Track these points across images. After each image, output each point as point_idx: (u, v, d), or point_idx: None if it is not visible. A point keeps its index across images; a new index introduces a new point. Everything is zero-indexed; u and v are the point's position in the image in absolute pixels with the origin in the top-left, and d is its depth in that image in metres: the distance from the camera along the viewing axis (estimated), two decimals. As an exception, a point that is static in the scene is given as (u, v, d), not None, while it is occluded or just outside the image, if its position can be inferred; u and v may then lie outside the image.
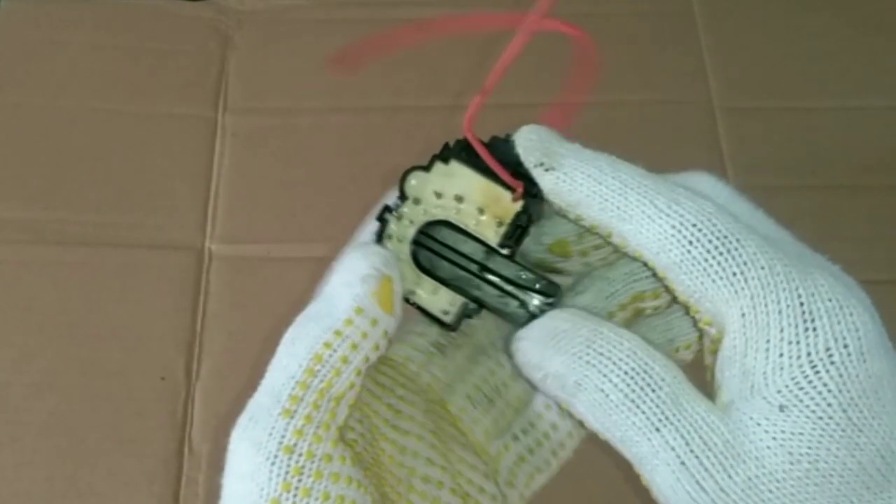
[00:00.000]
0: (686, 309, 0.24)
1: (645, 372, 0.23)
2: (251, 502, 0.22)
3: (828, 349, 0.22)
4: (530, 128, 0.25)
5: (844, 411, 0.22)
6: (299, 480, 0.22)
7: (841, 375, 0.22)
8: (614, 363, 0.23)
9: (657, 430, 0.22)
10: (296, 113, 0.72)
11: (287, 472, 0.22)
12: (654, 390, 0.22)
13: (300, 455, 0.22)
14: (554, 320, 0.24)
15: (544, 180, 0.25)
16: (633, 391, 0.22)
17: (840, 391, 0.22)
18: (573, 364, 0.23)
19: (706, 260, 0.23)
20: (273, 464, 0.22)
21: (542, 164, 0.25)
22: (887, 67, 0.75)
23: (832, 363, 0.22)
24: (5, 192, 0.68)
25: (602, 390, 0.23)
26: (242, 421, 0.23)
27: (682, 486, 0.22)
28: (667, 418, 0.22)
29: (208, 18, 0.78)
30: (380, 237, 0.26)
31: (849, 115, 0.72)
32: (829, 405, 0.22)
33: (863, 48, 0.76)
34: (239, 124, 0.72)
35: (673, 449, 0.22)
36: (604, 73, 0.79)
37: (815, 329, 0.22)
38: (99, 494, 0.57)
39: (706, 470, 0.22)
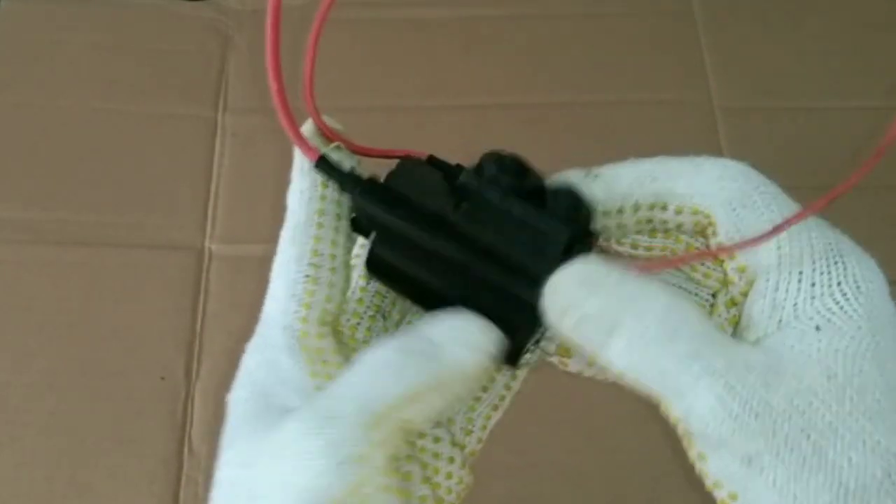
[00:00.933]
0: (721, 255, 0.26)
1: (679, 309, 0.23)
2: (308, 499, 0.22)
3: (856, 281, 0.24)
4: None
5: (873, 336, 0.23)
6: (362, 489, 0.22)
7: (870, 303, 0.24)
8: (650, 301, 0.23)
9: (698, 356, 0.23)
10: (296, 113, 0.72)
11: (354, 480, 0.22)
12: (689, 324, 0.23)
13: (369, 467, 0.22)
14: (585, 265, 0.24)
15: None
16: (671, 325, 0.23)
17: (869, 318, 0.24)
18: (610, 304, 0.23)
19: (749, 195, 0.26)
20: (343, 468, 0.22)
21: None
22: (887, 67, 0.75)
23: (861, 292, 0.24)
24: (5, 192, 0.68)
25: (642, 325, 0.23)
26: (315, 417, 0.23)
27: (727, 406, 0.22)
28: (706, 346, 0.23)
29: (208, 18, 0.78)
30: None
31: (849, 115, 0.72)
32: (860, 328, 0.23)
33: (863, 48, 0.76)
34: (239, 124, 0.72)
35: (716, 371, 0.22)
36: (604, 73, 0.80)
37: (844, 264, 0.25)
38: (99, 494, 0.57)
39: (751, 387, 0.22)
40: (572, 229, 0.25)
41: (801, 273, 0.25)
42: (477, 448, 0.29)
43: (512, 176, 0.26)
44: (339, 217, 0.27)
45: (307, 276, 0.26)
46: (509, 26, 0.77)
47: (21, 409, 0.60)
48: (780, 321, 0.24)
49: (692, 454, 0.24)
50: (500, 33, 0.77)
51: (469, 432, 0.29)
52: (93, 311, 0.63)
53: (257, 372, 0.26)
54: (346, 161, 0.27)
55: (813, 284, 0.24)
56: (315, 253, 0.26)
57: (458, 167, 0.27)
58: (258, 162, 0.70)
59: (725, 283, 0.27)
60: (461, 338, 0.24)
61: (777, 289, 0.25)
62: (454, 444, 0.28)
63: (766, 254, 0.25)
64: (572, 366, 0.28)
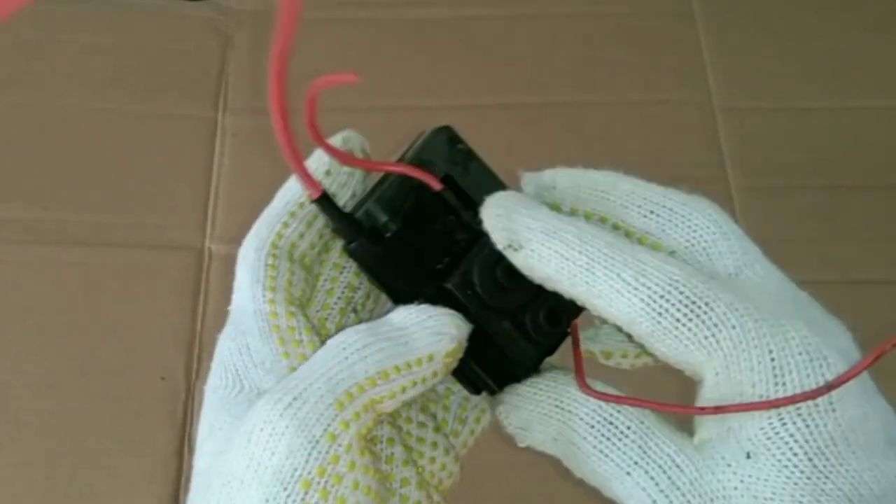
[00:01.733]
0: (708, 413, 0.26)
1: (611, 423, 0.25)
2: (281, 479, 0.22)
3: (797, 406, 0.23)
4: (496, 201, 0.26)
5: (810, 460, 0.23)
6: (334, 468, 0.22)
7: (808, 426, 0.23)
8: (581, 419, 0.25)
9: (628, 474, 0.24)
10: (296, 113, 0.72)
11: (325, 458, 0.22)
12: (619, 439, 0.25)
13: (340, 445, 0.23)
14: (532, 388, 0.26)
15: (515, 259, 0.25)
16: (601, 442, 0.25)
17: (806, 441, 0.23)
18: (549, 427, 0.26)
19: (677, 328, 0.24)
20: (314, 447, 0.22)
21: (510, 246, 0.25)
22: (887, 67, 0.75)
23: (798, 415, 0.23)
24: (5, 192, 0.68)
25: (574, 444, 0.25)
26: (284, 397, 0.23)
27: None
28: (635, 462, 0.24)
29: (208, 18, 0.78)
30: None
31: (849, 115, 0.72)
32: (795, 454, 0.23)
33: (863, 48, 0.76)
34: (239, 124, 0.72)
35: (644, 489, 0.24)
36: (604, 73, 0.80)
37: (784, 384, 0.23)
38: (99, 494, 0.57)
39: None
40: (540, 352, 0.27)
41: (741, 395, 0.24)
42: (470, 440, 0.29)
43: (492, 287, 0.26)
44: (309, 223, 0.28)
45: (268, 263, 0.27)
46: (509, 26, 0.77)
47: (21, 409, 0.60)
48: (729, 430, 0.24)
49: None
50: (500, 33, 0.77)
51: (462, 421, 0.29)
52: (93, 311, 0.63)
53: (230, 358, 0.26)
54: (348, 189, 0.27)
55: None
56: (274, 245, 0.27)
57: (471, 207, 0.27)
58: (258, 162, 0.70)
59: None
60: (429, 324, 0.25)
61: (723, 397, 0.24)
62: (438, 430, 0.28)
63: (704, 373, 0.24)
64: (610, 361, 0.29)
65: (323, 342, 0.26)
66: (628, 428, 0.25)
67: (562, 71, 0.75)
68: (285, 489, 0.22)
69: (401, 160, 0.27)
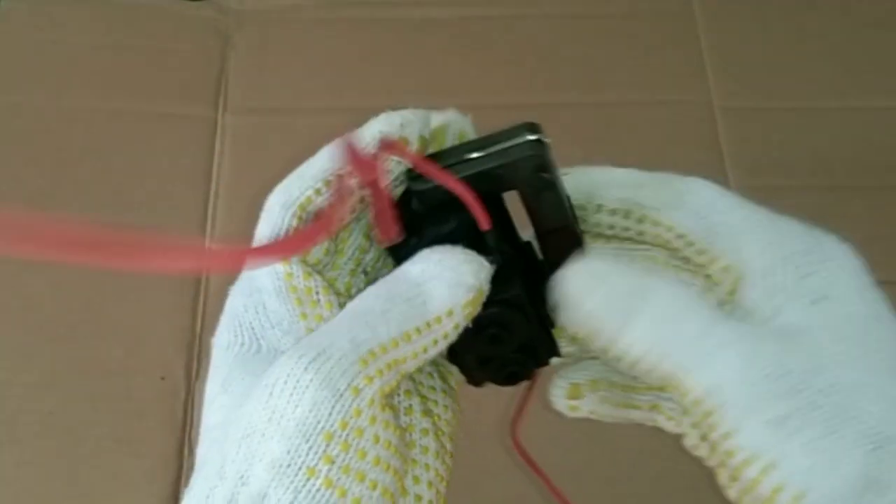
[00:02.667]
0: (695, 264, 0.27)
1: (685, 295, 0.25)
2: (303, 431, 0.22)
3: (837, 260, 0.27)
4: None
5: (868, 305, 0.25)
6: (356, 421, 0.22)
7: (857, 279, 0.27)
8: (657, 290, 0.24)
9: (712, 332, 0.24)
10: (296, 113, 0.72)
11: (348, 411, 0.22)
12: (697, 308, 0.24)
13: (363, 400, 0.23)
14: (590, 261, 0.26)
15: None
16: (681, 309, 0.24)
17: (858, 290, 0.26)
18: (621, 292, 0.24)
19: (715, 205, 0.27)
20: (338, 400, 0.22)
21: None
22: (887, 67, 0.75)
23: (844, 270, 0.27)
24: (5, 192, 0.68)
25: (655, 309, 0.24)
26: (308, 352, 0.23)
27: (747, 373, 0.23)
28: (717, 324, 0.24)
29: (208, 18, 0.78)
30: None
31: (849, 115, 0.72)
32: (854, 299, 0.25)
33: (863, 48, 0.76)
34: (239, 124, 0.72)
35: (731, 343, 0.23)
36: (604, 73, 0.80)
37: (822, 247, 0.27)
38: (99, 494, 0.57)
39: (767, 355, 0.23)
40: None
41: (784, 259, 0.25)
42: (460, 380, 0.29)
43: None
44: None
45: (291, 224, 0.26)
46: (509, 26, 0.77)
47: (21, 409, 0.60)
48: (777, 306, 0.25)
49: (718, 435, 0.23)
50: (500, 33, 0.77)
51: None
52: (93, 311, 0.63)
53: (246, 315, 0.26)
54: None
55: (798, 266, 0.25)
56: (302, 207, 0.27)
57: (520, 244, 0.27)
58: (258, 162, 0.70)
59: (712, 284, 0.27)
60: (446, 276, 0.24)
61: (766, 276, 0.25)
62: (442, 377, 0.28)
63: (748, 248, 0.25)
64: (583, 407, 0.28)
65: (337, 304, 0.26)
66: (701, 300, 0.25)
67: (562, 71, 0.75)
68: (307, 441, 0.22)
69: (470, 156, 0.26)
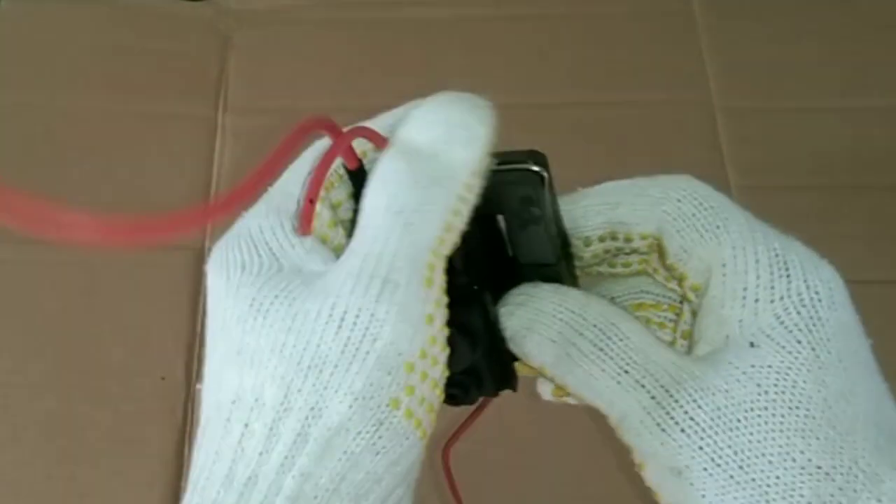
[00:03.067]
0: (675, 276, 0.26)
1: (613, 325, 0.24)
2: (385, 364, 0.22)
3: (799, 294, 0.24)
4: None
5: (813, 349, 0.23)
6: (431, 349, 0.22)
7: (811, 317, 0.23)
8: (585, 318, 0.25)
9: (626, 371, 0.24)
10: (296, 113, 0.72)
11: (425, 340, 0.22)
12: (621, 340, 0.24)
13: (435, 327, 0.23)
14: (537, 289, 0.26)
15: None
16: (602, 341, 0.24)
17: (810, 331, 0.23)
18: (552, 326, 0.25)
19: (693, 215, 0.25)
20: (416, 331, 0.22)
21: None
22: (887, 67, 0.75)
23: (803, 306, 0.23)
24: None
25: (572, 344, 0.24)
26: (374, 282, 0.22)
27: (653, 419, 0.23)
28: (634, 362, 0.24)
29: (208, 18, 0.78)
30: None
31: (849, 115, 0.72)
32: (799, 342, 0.23)
33: (863, 48, 0.76)
34: (239, 124, 0.72)
35: (642, 386, 0.23)
36: (604, 73, 0.80)
37: (788, 276, 0.24)
38: (99, 494, 0.57)
39: (675, 401, 0.23)
40: None
41: (745, 289, 0.24)
42: None
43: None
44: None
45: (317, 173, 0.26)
46: (509, 26, 0.77)
47: (21, 409, 0.60)
48: (728, 337, 0.24)
49: (635, 461, 0.24)
50: (500, 33, 0.77)
51: None
52: (93, 311, 0.63)
53: (262, 236, 0.25)
54: None
55: (756, 300, 0.24)
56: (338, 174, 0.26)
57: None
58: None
59: (686, 298, 0.27)
60: (459, 135, 0.24)
61: (723, 305, 0.24)
62: None
63: (713, 265, 0.25)
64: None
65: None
66: (629, 332, 0.24)
67: (562, 71, 0.75)
68: (389, 373, 0.22)
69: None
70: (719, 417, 0.22)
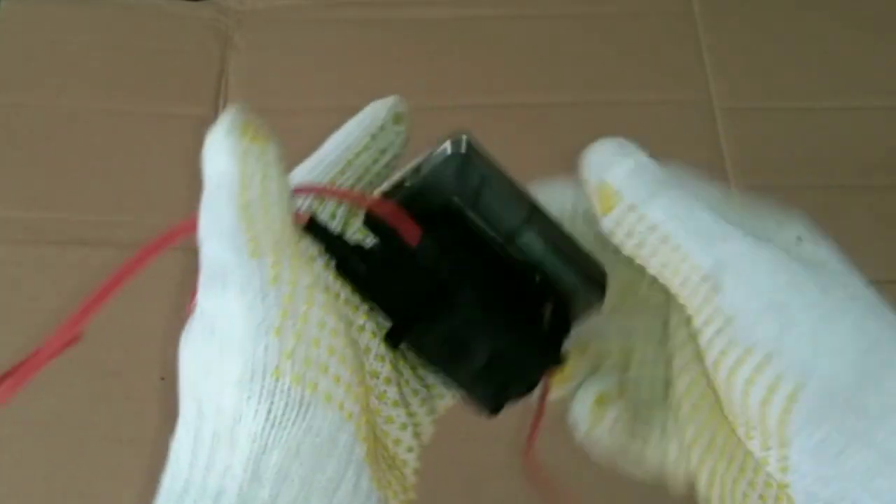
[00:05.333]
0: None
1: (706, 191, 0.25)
2: (252, 336, 0.22)
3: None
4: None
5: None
6: (293, 305, 0.22)
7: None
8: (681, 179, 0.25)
9: (729, 220, 0.24)
10: (296, 113, 0.72)
11: (279, 300, 0.22)
12: (711, 205, 0.24)
13: (286, 283, 0.22)
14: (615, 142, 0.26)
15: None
16: (703, 198, 0.24)
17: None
18: (652, 167, 0.25)
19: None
20: (265, 296, 0.22)
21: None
22: (887, 67, 0.75)
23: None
24: (5, 192, 0.68)
25: (680, 190, 0.24)
26: (215, 282, 0.24)
27: (757, 251, 0.23)
28: (732, 218, 0.24)
29: (208, 18, 0.78)
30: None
31: (849, 115, 0.72)
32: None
33: (863, 48, 0.76)
34: (239, 124, 0.72)
35: (745, 231, 0.24)
36: (604, 73, 0.80)
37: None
38: (99, 494, 0.57)
39: (776, 246, 0.24)
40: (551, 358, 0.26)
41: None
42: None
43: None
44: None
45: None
46: (509, 26, 0.77)
47: (21, 409, 0.60)
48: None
49: (712, 332, 0.23)
50: (500, 33, 0.77)
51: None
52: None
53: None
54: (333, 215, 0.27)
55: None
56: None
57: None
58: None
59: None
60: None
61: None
62: (427, 387, 0.28)
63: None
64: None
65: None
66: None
67: (562, 71, 0.75)
68: (260, 344, 0.22)
69: (405, 182, 0.26)
70: (812, 267, 0.24)
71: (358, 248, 0.25)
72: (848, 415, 0.21)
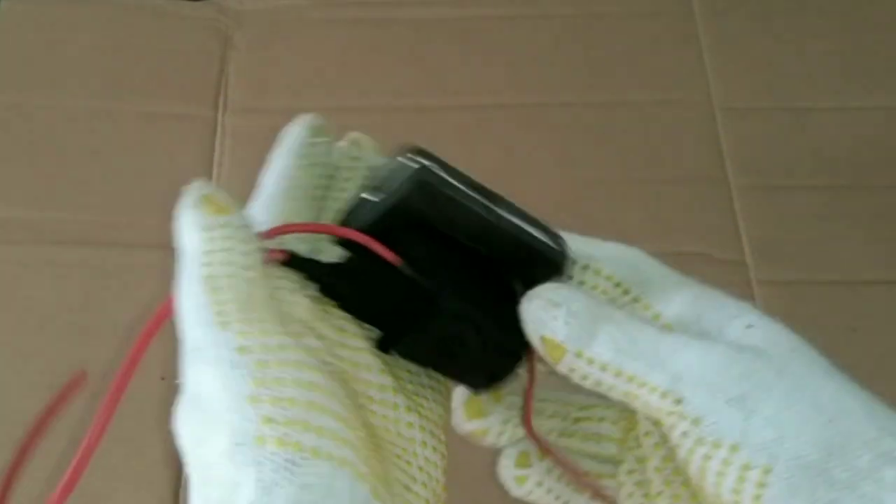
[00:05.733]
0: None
1: (638, 315, 0.26)
2: (231, 409, 0.22)
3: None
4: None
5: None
6: (264, 372, 0.23)
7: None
8: (613, 309, 0.26)
9: (671, 334, 0.25)
10: (296, 113, 0.72)
11: (250, 369, 0.23)
12: (649, 322, 0.26)
13: (255, 350, 0.23)
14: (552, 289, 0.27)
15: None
16: (639, 322, 0.26)
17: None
18: (590, 307, 0.26)
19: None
20: (235, 366, 0.23)
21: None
22: (887, 67, 0.75)
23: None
24: (5, 192, 0.68)
25: (619, 323, 0.26)
26: (193, 357, 0.25)
27: (709, 359, 0.24)
28: (673, 331, 0.26)
29: (208, 18, 0.78)
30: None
31: (849, 115, 0.72)
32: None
33: (863, 48, 0.76)
34: (239, 124, 0.72)
35: (689, 339, 0.25)
36: (604, 73, 0.80)
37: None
38: (99, 494, 0.57)
39: (723, 349, 0.25)
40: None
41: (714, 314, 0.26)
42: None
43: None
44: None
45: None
46: (509, 26, 0.77)
47: (21, 410, 0.60)
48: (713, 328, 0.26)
49: (680, 433, 0.24)
50: (500, 33, 0.77)
51: None
52: (93, 311, 0.63)
53: None
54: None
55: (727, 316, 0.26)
56: None
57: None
58: (258, 162, 0.70)
59: None
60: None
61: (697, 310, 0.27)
62: (429, 374, 0.29)
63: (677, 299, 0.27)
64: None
65: None
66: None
67: (562, 71, 0.75)
68: (238, 412, 0.23)
69: (366, 198, 0.27)
70: (759, 358, 0.24)
71: (336, 268, 0.26)
72: (818, 488, 0.22)
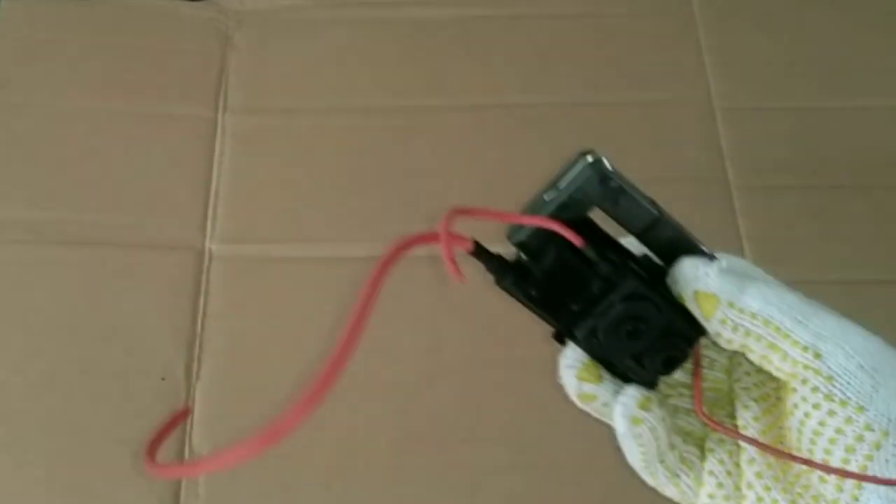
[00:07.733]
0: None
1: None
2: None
3: None
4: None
5: None
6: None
7: None
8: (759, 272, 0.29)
9: (812, 300, 0.27)
10: (296, 113, 0.72)
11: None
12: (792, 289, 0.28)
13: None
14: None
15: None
16: (783, 286, 0.28)
17: None
18: (738, 265, 0.28)
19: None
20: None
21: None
22: (887, 67, 0.75)
23: None
24: (5, 192, 0.68)
25: (765, 280, 0.28)
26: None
27: (848, 326, 0.27)
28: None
29: (208, 18, 0.78)
30: None
31: (849, 115, 0.72)
32: None
33: (863, 48, 0.76)
34: (239, 124, 0.72)
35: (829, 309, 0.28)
36: (604, 73, 0.80)
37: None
38: (99, 494, 0.57)
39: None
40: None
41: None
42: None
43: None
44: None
45: None
46: (509, 26, 0.77)
47: (21, 409, 0.60)
48: None
49: (810, 388, 0.26)
50: (500, 33, 0.77)
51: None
52: (93, 311, 0.63)
53: None
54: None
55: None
56: None
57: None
58: (258, 162, 0.70)
59: None
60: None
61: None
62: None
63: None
64: None
65: None
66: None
67: (562, 71, 0.75)
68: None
69: (544, 197, 0.28)
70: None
71: (517, 264, 0.28)
72: None
